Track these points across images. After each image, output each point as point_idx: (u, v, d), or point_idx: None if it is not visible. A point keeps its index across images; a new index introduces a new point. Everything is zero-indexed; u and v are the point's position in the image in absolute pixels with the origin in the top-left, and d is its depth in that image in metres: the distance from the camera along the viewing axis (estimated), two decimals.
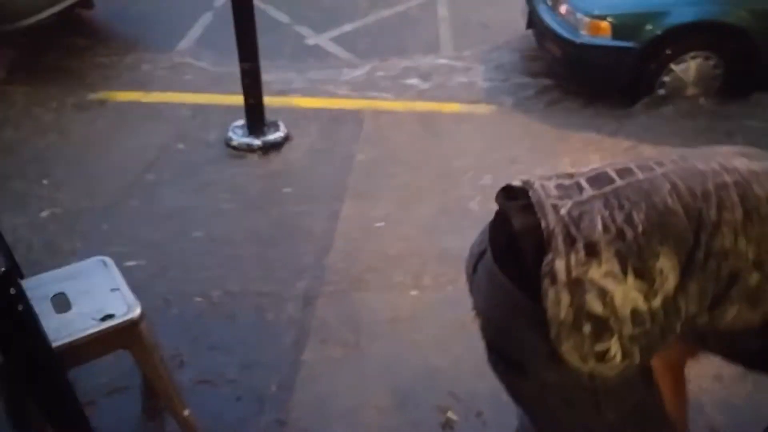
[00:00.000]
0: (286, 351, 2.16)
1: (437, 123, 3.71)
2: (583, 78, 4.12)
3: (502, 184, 1.16)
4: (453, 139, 3.53)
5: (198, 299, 2.35)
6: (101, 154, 3.34)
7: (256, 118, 3.30)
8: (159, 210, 2.89)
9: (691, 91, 3.88)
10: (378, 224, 2.77)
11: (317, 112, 3.75)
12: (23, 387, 1.23)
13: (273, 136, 3.36)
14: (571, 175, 1.11)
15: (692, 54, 3.75)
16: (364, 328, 2.25)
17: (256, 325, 2.27)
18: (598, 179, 1.08)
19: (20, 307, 1.08)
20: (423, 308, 2.35)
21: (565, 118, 3.81)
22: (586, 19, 3.77)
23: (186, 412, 1.72)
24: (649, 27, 3.65)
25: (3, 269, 1.05)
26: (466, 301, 1.20)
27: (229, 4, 3.02)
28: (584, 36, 3.79)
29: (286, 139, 3.42)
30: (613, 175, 1.07)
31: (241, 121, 3.41)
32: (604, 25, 3.71)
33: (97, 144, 3.43)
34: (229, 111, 3.56)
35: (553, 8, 4.06)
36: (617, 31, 3.71)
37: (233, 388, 2.02)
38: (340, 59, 4.59)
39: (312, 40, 4.94)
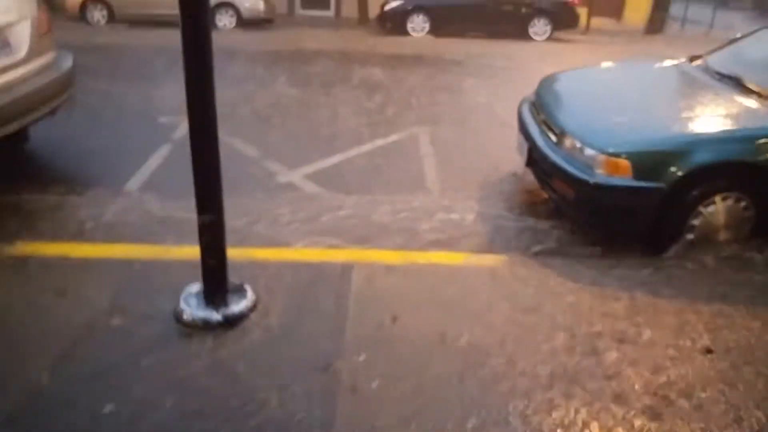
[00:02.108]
0: None
1: (440, 277, 3.06)
2: (598, 221, 3.62)
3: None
4: (461, 299, 2.86)
5: None
6: (8, 332, 2.52)
7: (216, 283, 2.57)
8: (75, 417, 2.05)
9: (723, 236, 3.40)
10: None
11: (294, 267, 3.06)
12: None
13: (237, 307, 2.61)
14: None
15: (722, 195, 3.31)
16: None
17: None
18: None
19: None
20: None
21: (583, 269, 3.22)
22: (601, 157, 3.32)
23: None
24: (672, 168, 3.21)
25: None
26: None
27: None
28: (600, 175, 3.31)
29: (254, 308, 2.68)
30: None
31: (197, 287, 2.68)
32: (623, 163, 3.26)
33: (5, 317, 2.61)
34: (183, 269, 2.83)
35: (559, 143, 3.62)
36: (638, 171, 3.25)
37: None
38: (318, 200, 4.00)
39: (285, 177, 4.38)
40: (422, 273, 3.08)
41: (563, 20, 13.09)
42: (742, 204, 3.35)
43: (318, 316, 2.68)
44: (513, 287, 2.99)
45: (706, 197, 3.30)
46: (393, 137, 5.32)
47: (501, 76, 8.36)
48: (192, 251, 2.78)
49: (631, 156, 3.25)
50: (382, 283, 2.97)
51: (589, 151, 3.39)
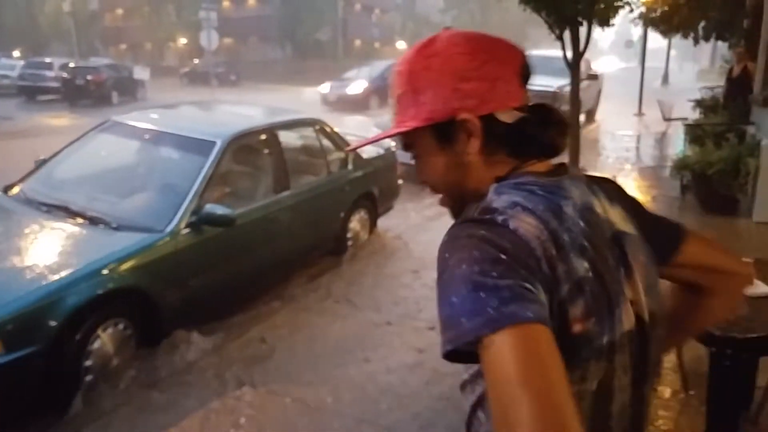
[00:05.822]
0: None
1: None
2: None
3: None
4: None
5: None
6: None
7: None
8: None
9: (116, 361, 3.45)
10: None
11: None
12: None
13: None
14: None
15: (103, 326, 3.35)
16: None
17: None
18: None
19: None
20: None
21: None
22: None
23: None
24: (45, 324, 3.01)
25: None
26: None
27: None
28: None
29: None
30: None
31: None
32: None
33: None
34: None
35: None
36: (11, 341, 2.90)
37: None
38: None
39: None
40: None
41: None
42: (121, 326, 3.48)
43: None
44: None
45: (89, 335, 3.26)
46: None
47: None
48: None
49: None
50: None
51: None
